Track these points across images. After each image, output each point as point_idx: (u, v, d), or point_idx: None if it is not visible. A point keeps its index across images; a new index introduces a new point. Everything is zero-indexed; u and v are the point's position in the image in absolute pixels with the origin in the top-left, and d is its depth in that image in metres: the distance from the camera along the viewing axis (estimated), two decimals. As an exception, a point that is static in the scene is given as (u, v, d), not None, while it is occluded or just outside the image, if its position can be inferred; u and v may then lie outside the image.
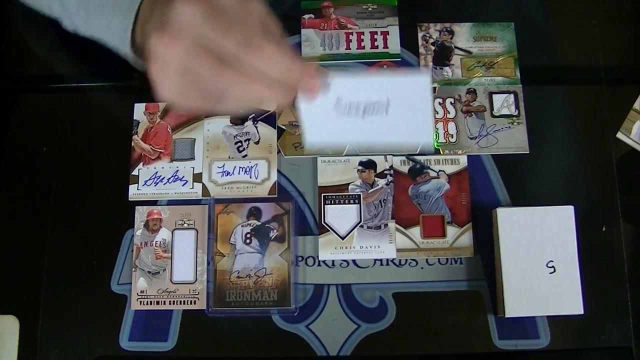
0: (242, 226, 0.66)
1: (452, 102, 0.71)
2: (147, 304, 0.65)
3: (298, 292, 0.65)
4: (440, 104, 0.71)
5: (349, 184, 0.68)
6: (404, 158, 0.69)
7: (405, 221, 0.67)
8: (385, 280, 0.65)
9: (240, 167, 0.69)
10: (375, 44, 0.73)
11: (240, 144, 0.70)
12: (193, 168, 0.69)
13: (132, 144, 0.70)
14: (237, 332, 0.64)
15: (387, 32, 0.73)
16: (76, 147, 0.71)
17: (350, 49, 0.73)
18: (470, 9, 0.75)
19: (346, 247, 0.66)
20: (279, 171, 0.69)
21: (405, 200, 0.67)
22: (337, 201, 0.67)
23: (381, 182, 0.68)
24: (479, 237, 0.66)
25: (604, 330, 0.63)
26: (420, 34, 0.73)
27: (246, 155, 0.69)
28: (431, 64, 0.72)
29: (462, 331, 0.63)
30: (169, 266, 0.66)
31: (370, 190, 0.68)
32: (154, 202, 0.68)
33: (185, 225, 0.67)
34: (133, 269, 0.66)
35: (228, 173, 0.69)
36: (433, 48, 0.73)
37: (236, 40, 0.43)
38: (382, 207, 0.67)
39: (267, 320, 0.64)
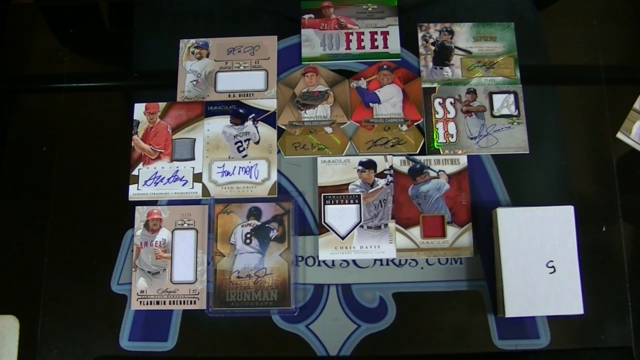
0: (242, 226, 0.66)
1: (452, 102, 0.71)
2: (147, 304, 0.65)
3: (298, 292, 0.65)
4: (440, 104, 0.71)
5: (349, 184, 0.68)
6: (404, 158, 0.69)
7: (405, 221, 0.67)
8: (385, 280, 0.65)
9: (240, 167, 0.69)
10: (375, 44, 0.73)
11: (240, 144, 0.70)
12: (193, 168, 0.69)
13: (132, 144, 0.70)
14: (237, 332, 0.64)
15: (387, 32, 0.73)
16: (76, 147, 0.71)
17: (350, 49, 0.73)
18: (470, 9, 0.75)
19: (346, 247, 0.66)
20: (279, 171, 0.69)
21: (405, 200, 0.67)
22: (337, 201, 0.67)
23: (381, 182, 0.68)
24: (479, 237, 0.66)
25: (604, 330, 0.63)
26: (420, 34, 0.73)
27: (246, 155, 0.69)
28: (431, 64, 0.72)
29: (462, 331, 0.63)
30: (169, 266, 0.66)
31: (370, 190, 0.68)
32: (154, 202, 0.68)
33: (185, 225, 0.67)
34: (133, 269, 0.66)
35: (228, 173, 0.69)
36: (433, 48, 0.73)
37: None
38: (382, 207, 0.67)
39: (267, 320, 0.64)
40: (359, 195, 0.67)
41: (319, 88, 0.72)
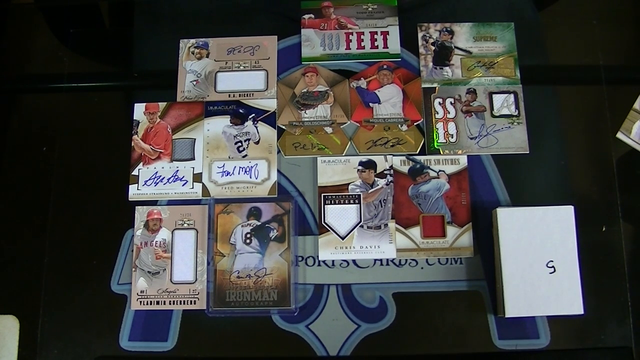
0: (242, 226, 0.66)
1: (452, 102, 0.71)
2: (147, 304, 0.65)
3: (298, 292, 0.65)
4: (440, 104, 0.71)
5: (349, 184, 0.68)
6: (404, 158, 0.69)
7: (405, 221, 0.67)
8: (385, 280, 0.65)
9: (240, 167, 0.69)
10: (375, 44, 0.73)
11: (240, 144, 0.70)
12: (193, 168, 0.69)
13: (132, 144, 0.70)
14: (237, 332, 0.64)
15: (387, 32, 0.73)
16: (76, 147, 0.71)
17: (350, 49, 0.73)
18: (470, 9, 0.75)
19: (346, 247, 0.66)
20: (279, 171, 0.69)
21: (405, 200, 0.67)
22: (337, 201, 0.67)
23: (381, 182, 0.68)
24: (479, 237, 0.66)
25: (604, 330, 0.63)
26: (420, 34, 0.73)
27: (246, 155, 0.69)
28: (431, 64, 0.72)
29: (462, 331, 0.63)
30: (169, 266, 0.66)
31: (370, 190, 0.68)
32: (154, 202, 0.68)
33: (185, 225, 0.67)
34: (133, 269, 0.66)
35: (228, 173, 0.69)
36: (433, 48, 0.73)
37: None
38: (382, 207, 0.67)
39: (267, 320, 0.64)
40: (359, 195, 0.67)
41: (319, 88, 0.72)
